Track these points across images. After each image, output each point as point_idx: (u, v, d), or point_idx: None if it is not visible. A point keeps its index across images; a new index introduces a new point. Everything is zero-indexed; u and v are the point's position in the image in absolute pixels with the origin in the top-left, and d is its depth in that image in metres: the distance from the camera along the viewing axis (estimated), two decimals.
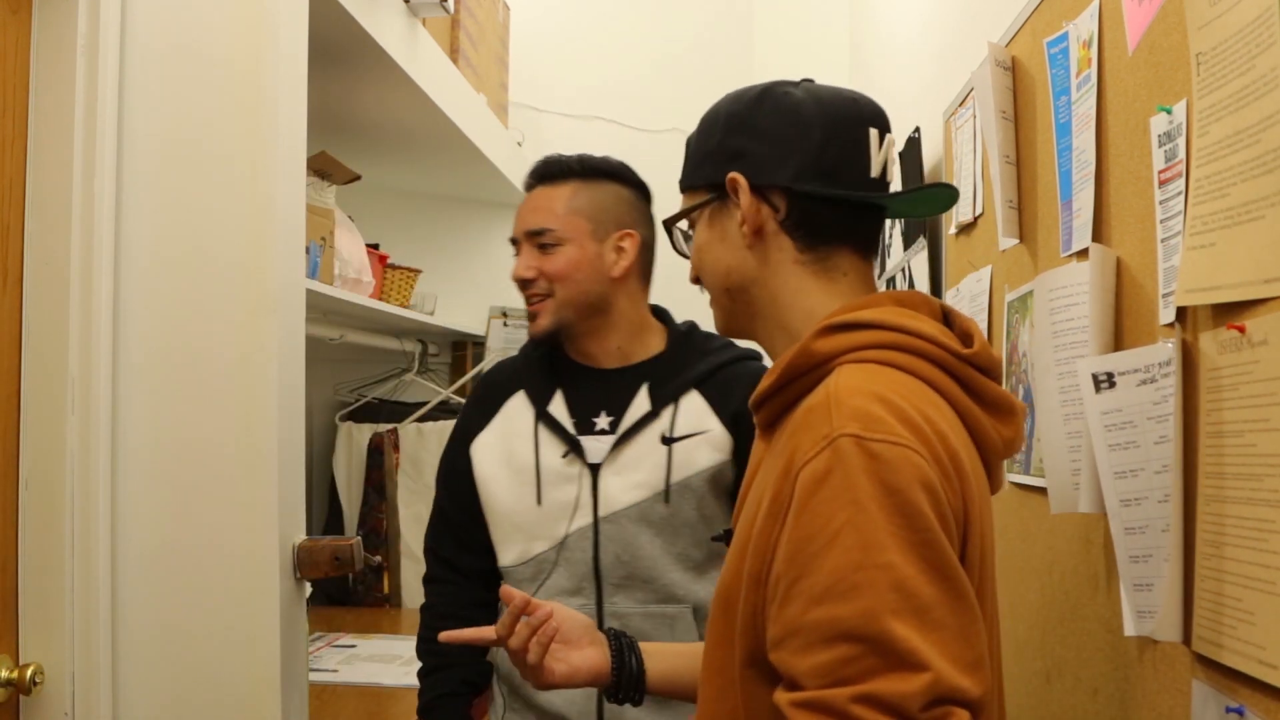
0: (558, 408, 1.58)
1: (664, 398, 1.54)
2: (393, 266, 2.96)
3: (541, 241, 1.55)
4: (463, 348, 3.64)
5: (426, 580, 1.72)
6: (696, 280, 1.10)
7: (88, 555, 1.47)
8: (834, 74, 3.98)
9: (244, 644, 1.56)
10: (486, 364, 3.51)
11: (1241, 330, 0.90)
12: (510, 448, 1.59)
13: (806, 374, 0.95)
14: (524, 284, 1.58)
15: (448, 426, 3.08)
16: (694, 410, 1.54)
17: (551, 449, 1.56)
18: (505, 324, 3.56)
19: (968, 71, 1.85)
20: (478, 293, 3.68)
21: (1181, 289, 0.99)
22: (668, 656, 1.28)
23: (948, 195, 1.07)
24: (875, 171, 1.02)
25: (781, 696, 0.84)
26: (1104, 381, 1.13)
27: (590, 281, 1.55)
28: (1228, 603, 0.92)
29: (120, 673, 1.51)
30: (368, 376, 3.31)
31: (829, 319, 0.97)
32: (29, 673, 1.42)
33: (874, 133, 1.03)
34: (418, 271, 3.07)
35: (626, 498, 1.52)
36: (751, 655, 0.91)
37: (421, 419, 3.10)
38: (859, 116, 1.03)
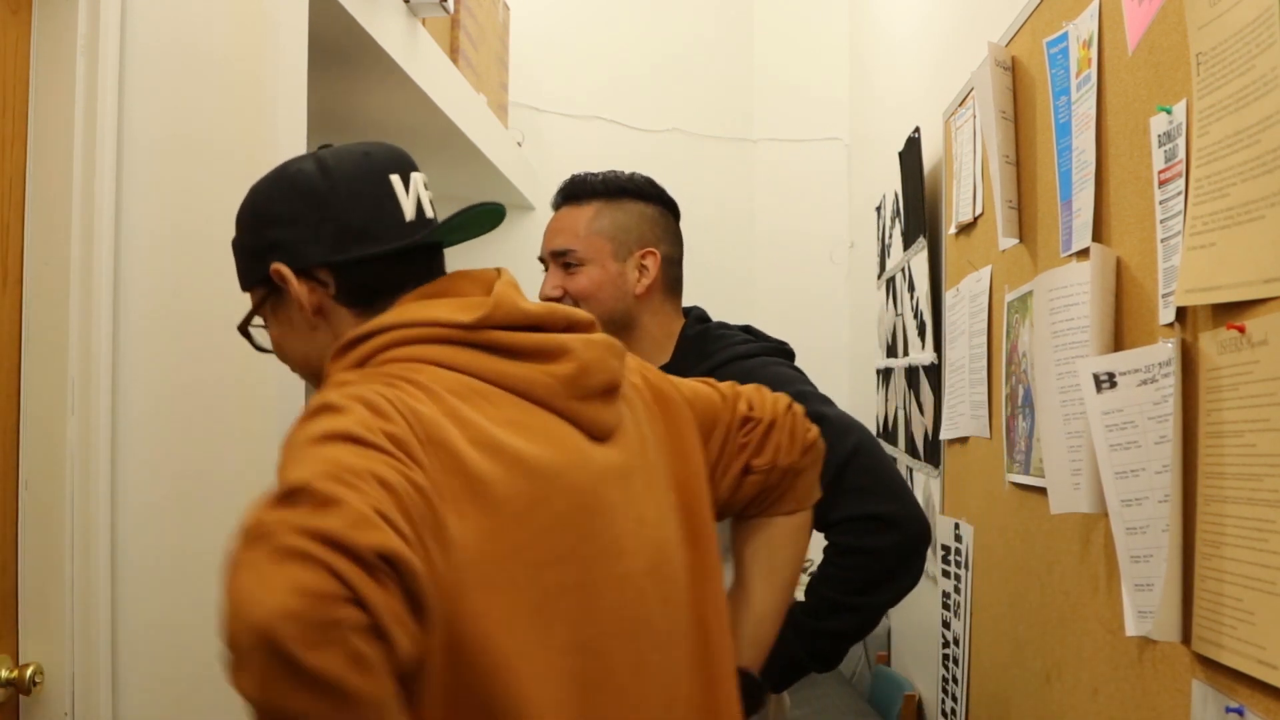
0: None
1: None
2: None
3: (566, 261, 1.60)
4: None
5: None
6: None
7: (88, 555, 1.47)
8: (834, 74, 3.98)
9: None
10: None
11: (1241, 330, 0.90)
12: None
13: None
14: (552, 302, 1.60)
15: None
16: None
17: None
18: None
19: (968, 71, 1.85)
20: None
21: (1181, 289, 0.99)
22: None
23: (494, 213, 1.10)
24: (410, 214, 1.05)
25: None
26: (1105, 381, 1.13)
27: (613, 300, 1.59)
28: (1227, 602, 0.92)
29: (120, 673, 1.51)
30: None
31: (344, 338, 1.01)
32: (29, 673, 1.42)
33: (396, 179, 1.06)
34: None
35: None
36: None
37: None
38: (373, 169, 1.06)
